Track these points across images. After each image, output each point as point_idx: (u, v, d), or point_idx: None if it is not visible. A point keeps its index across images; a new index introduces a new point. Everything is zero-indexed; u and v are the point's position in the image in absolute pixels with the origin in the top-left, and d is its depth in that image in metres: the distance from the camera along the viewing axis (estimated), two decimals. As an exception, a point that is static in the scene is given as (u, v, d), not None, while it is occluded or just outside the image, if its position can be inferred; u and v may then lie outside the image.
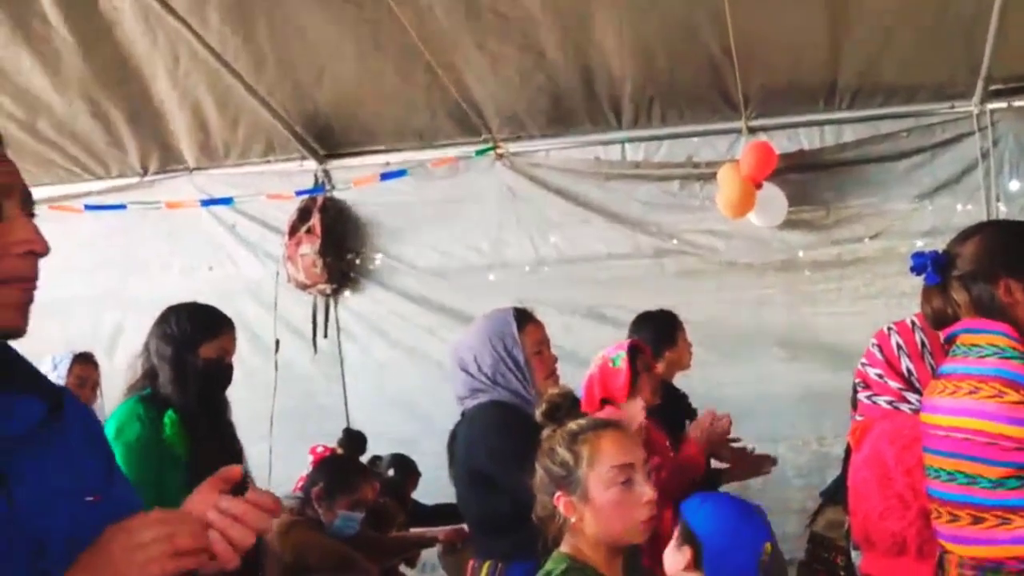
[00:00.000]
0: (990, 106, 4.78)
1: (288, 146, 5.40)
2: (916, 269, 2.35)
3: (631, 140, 5.22)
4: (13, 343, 1.34)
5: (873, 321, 4.92)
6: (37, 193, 4.52)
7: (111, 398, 4.30)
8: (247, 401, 3.30)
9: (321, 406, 5.46)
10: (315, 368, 5.50)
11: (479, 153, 5.29)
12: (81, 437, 1.38)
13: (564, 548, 2.04)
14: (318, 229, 5.22)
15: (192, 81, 4.89)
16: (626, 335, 4.08)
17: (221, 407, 3.11)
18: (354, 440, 4.66)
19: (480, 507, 2.88)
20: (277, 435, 5.11)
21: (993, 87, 4.70)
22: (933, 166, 4.92)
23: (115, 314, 5.46)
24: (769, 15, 4.34)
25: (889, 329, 2.77)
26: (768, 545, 2.41)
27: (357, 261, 5.51)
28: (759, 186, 4.82)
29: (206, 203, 5.25)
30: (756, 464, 3.97)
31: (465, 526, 3.73)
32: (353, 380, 5.53)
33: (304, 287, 5.35)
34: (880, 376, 2.76)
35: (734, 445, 3.75)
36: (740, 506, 2.54)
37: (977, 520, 2.20)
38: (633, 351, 3.41)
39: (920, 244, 4.88)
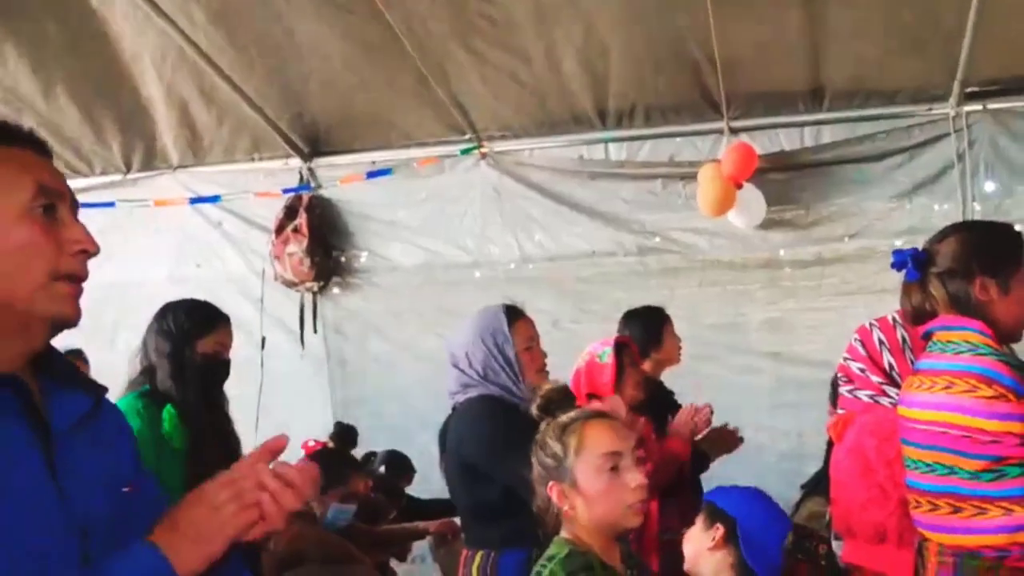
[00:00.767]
0: (966, 108, 4.85)
1: (274, 144, 5.44)
2: (897, 265, 2.44)
3: (614, 140, 5.29)
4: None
5: (852, 317, 5.03)
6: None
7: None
8: (235, 398, 3.35)
9: (309, 401, 5.51)
10: (303, 364, 5.55)
11: (464, 152, 5.35)
12: (113, 431, 1.47)
13: (564, 534, 2.10)
14: (305, 228, 5.27)
15: (178, 79, 4.93)
16: (610, 331, 4.16)
17: (219, 401, 3.16)
18: (345, 434, 4.71)
19: (471, 497, 2.95)
20: (264, 430, 5.14)
21: (969, 90, 4.78)
22: (911, 167, 5.00)
23: (108, 311, 5.48)
24: (751, 21, 4.41)
25: (871, 325, 2.86)
26: (790, 535, 2.52)
27: (343, 259, 5.57)
28: (740, 186, 4.90)
29: (194, 201, 5.29)
30: (726, 440, 4.00)
31: (456, 519, 3.80)
32: (341, 376, 5.58)
33: (291, 285, 5.40)
34: (862, 370, 2.84)
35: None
36: (766, 495, 2.70)
37: (956, 510, 2.29)
38: (619, 347, 3.48)
39: (899, 243, 4.96)
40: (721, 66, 4.67)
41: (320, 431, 4.86)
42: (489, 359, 2.93)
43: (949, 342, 2.35)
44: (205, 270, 5.59)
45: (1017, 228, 2.58)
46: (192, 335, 3.04)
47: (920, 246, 2.52)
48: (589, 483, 2.07)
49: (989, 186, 4.88)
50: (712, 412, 3.69)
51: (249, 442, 4.96)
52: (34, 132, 1.44)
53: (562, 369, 3.54)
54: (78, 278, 1.38)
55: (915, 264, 2.40)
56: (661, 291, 5.12)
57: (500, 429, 2.80)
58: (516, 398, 2.89)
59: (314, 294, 5.52)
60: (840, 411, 2.99)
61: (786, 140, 5.13)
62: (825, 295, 5.16)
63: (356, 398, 5.58)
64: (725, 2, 4.23)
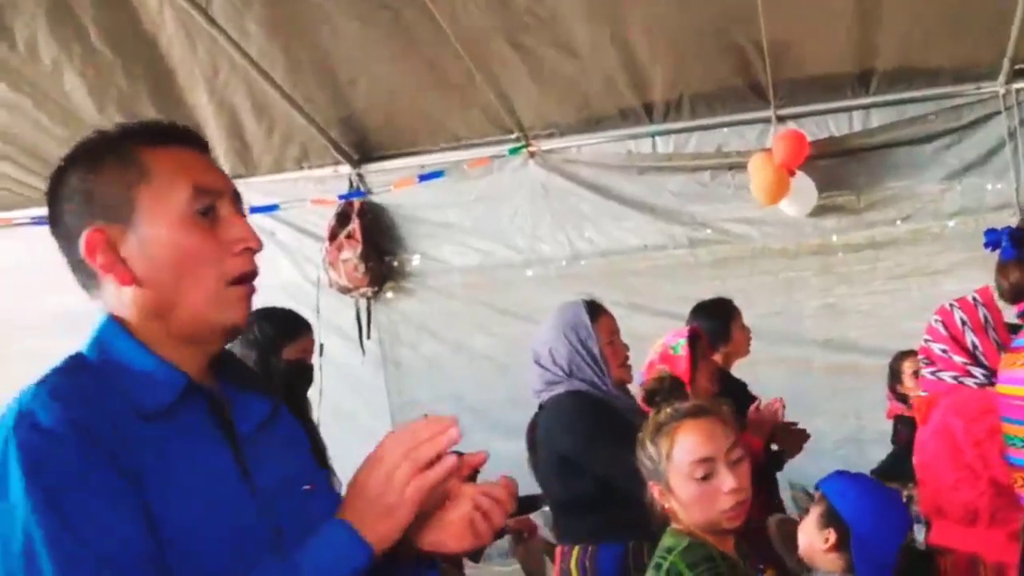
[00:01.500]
0: (1016, 86, 4.85)
1: (322, 152, 5.48)
2: (991, 244, 2.45)
3: (661, 133, 5.30)
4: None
5: (906, 300, 5.09)
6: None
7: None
8: (298, 406, 3.42)
9: (367, 405, 5.57)
10: (361, 369, 5.60)
11: (512, 152, 5.37)
12: (289, 431, 1.50)
13: (676, 525, 2.11)
14: (358, 233, 5.31)
15: (230, 91, 4.96)
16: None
17: (304, 407, 3.21)
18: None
19: (566, 491, 2.98)
20: (326, 437, 5.19)
21: (1019, 66, 4.77)
22: (961, 147, 5.00)
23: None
24: (799, 5, 4.42)
25: (951, 306, 2.86)
26: (911, 533, 2.48)
27: (396, 263, 5.61)
28: (792, 173, 4.91)
29: (254, 210, 5.32)
30: (796, 439, 3.99)
31: (532, 516, 3.83)
32: (397, 379, 5.63)
33: (346, 291, 5.45)
34: (944, 351, 2.84)
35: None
36: (885, 492, 2.64)
37: (1060, 486, 2.30)
38: (693, 338, 3.50)
39: (951, 224, 5.00)
40: (768, 51, 4.67)
41: (380, 435, 4.89)
42: (574, 355, 2.96)
43: (1050, 317, 2.36)
44: (260, 279, 5.62)
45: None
46: (278, 343, 3.08)
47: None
48: (681, 489, 2.07)
49: (1042, 163, 4.88)
50: (782, 407, 3.67)
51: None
52: (188, 128, 1.43)
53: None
54: (248, 277, 1.38)
55: (1012, 242, 2.41)
56: (713, 282, 5.16)
57: (592, 422, 2.83)
58: (602, 392, 2.92)
59: (368, 299, 5.56)
60: (922, 393, 3.00)
61: (834, 125, 5.14)
62: (879, 279, 5.18)
63: (412, 400, 5.62)
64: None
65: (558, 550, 2.99)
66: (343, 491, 1.35)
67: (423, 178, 5.27)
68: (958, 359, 2.82)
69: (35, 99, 4.86)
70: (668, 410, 2.18)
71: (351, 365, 5.58)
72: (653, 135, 5.31)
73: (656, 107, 5.18)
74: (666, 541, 2.10)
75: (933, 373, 2.90)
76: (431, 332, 5.67)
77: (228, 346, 3.01)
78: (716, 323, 4.04)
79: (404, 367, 5.66)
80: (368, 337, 5.59)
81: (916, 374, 4.55)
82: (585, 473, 2.86)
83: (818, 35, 4.68)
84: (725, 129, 5.25)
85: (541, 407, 3.08)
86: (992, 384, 2.56)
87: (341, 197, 5.36)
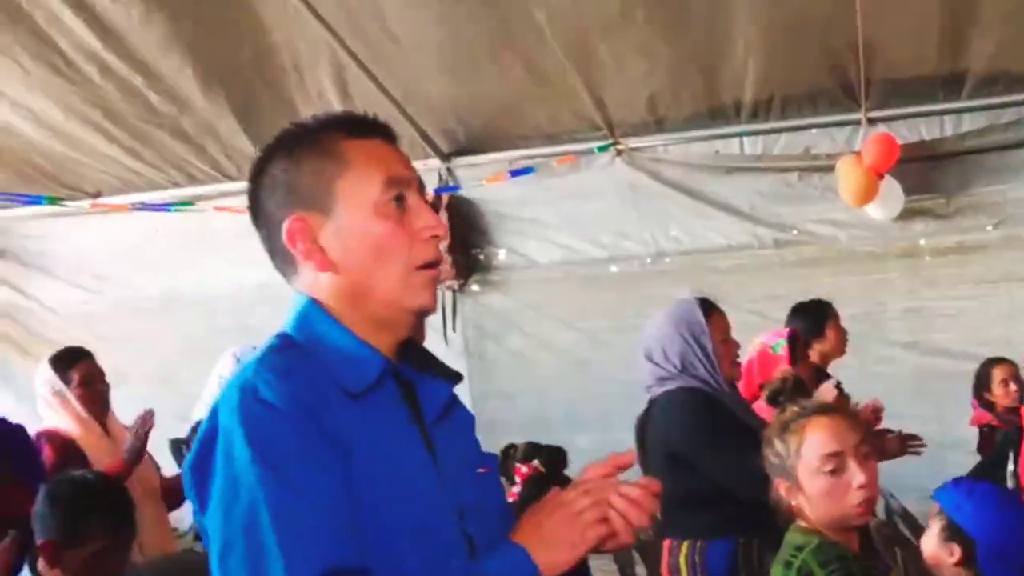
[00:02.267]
0: (1113, 91, 4.82)
1: (413, 146, 5.54)
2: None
3: (749, 134, 5.32)
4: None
5: (995, 306, 5.08)
6: (168, 195, 4.75)
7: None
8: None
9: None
10: (446, 360, 5.66)
11: (600, 150, 5.42)
12: (463, 414, 1.57)
13: (802, 523, 2.14)
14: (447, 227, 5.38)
15: (327, 83, 5.02)
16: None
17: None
18: (556, 457, 4.79)
19: (678, 487, 3.00)
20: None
21: (1117, 72, 4.74)
22: (1055, 153, 4.98)
23: (260, 312, 5.68)
24: (895, 6, 4.41)
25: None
26: None
27: (482, 257, 5.70)
28: (881, 176, 4.91)
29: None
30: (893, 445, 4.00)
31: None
32: (480, 371, 5.71)
33: (433, 283, 5.54)
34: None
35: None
36: (1006, 496, 2.64)
37: None
38: (793, 339, 3.54)
39: (1044, 231, 4.98)
40: (863, 52, 4.66)
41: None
42: (687, 351, 3.01)
43: None
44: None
45: None
46: None
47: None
48: (810, 485, 2.10)
49: None
50: (879, 409, 3.69)
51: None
52: (380, 120, 1.50)
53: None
54: (434, 263, 1.44)
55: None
56: (798, 282, 5.18)
57: (706, 419, 2.89)
58: (715, 390, 2.97)
59: (454, 291, 5.65)
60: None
61: (925, 129, 5.12)
62: (967, 284, 5.16)
63: (495, 392, 5.69)
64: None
65: (666, 544, 3.03)
66: None
67: (514, 174, 5.34)
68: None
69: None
70: (795, 408, 2.23)
71: (435, 355, 5.65)
72: (741, 135, 5.33)
73: (745, 107, 5.19)
74: (794, 539, 2.12)
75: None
76: (515, 325, 5.75)
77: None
78: (811, 322, 4.09)
79: (488, 359, 5.74)
80: (453, 329, 5.67)
81: (1006, 382, 4.56)
82: (697, 469, 2.91)
83: (911, 37, 4.66)
84: (814, 130, 5.25)
85: (651, 403, 3.13)
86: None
87: (436, 191, 5.44)
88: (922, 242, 5.20)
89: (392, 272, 1.41)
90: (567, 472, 4.83)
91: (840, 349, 4.14)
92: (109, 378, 4.00)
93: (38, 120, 5.11)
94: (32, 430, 3.67)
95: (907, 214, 5.15)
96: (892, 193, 5.04)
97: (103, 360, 4.05)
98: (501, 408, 5.56)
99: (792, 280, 5.24)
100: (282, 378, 1.31)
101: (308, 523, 1.23)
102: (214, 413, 1.32)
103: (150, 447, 3.89)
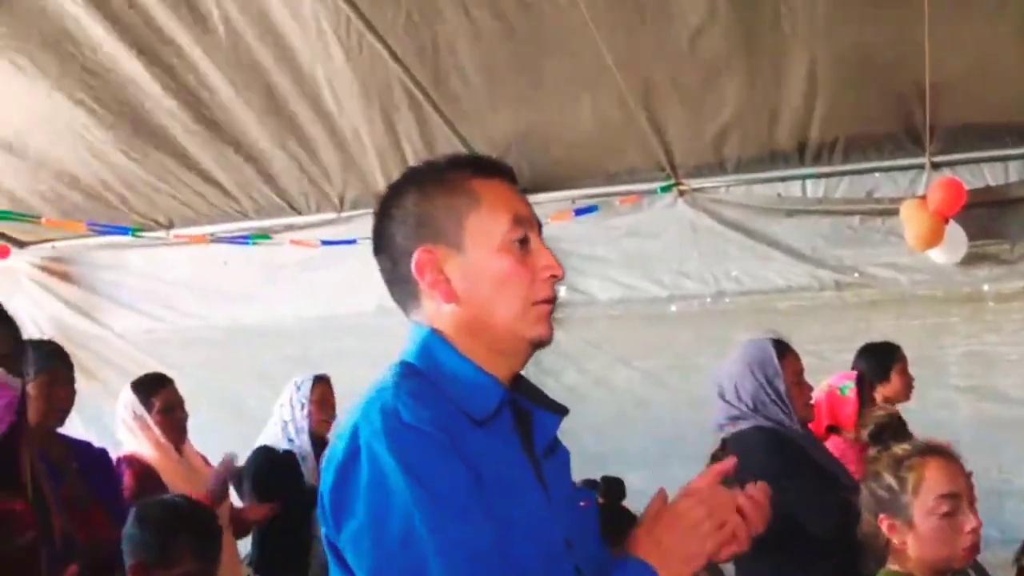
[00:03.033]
0: None
1: (479, 183, 5.62)
2: None
3: (812, 176, 5.35)
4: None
5: (1059, 353, 5.05)
6: (235, 227, 4.84)
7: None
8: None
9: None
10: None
11: (663, 190, 5.48)
12: (563, 447, 1.62)
13: (894, 566, 2.16)
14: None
15: (398, 115, 5.11)
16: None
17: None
18: (614, 488, 4.81)
19: (750, 527, 3.04)
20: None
21: None
22: (1122, 201, 4.96)
23: (317, 343, 5.79)
24: (967, 50, 4.42)
25: None
26: None
27: (542, 294, 5.73)
28: (947, 221, 4.92)
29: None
30: None
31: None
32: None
33: (495, 319, 5.59)
34: None
35: None
36: None
37: None
38: (861, 381, 3.56)
39: (1111, 278, 4.96)
40: (929, 96, 4.68)
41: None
42: (759, 391, 3.04)
43: None
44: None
45: None
46: None
47: None
48: (924, 524, 2.11)
49: None
50: None
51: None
52: (505, 163, 1.59)
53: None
54: (550, 300, 1.52)
55: None
56: (858, 325, 5.20)
57: (780, 459, 2.90)
58: (789, 430, 2.99)
59: (514, 329, 5.69)
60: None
61: (990, 174, 5.13)
62: (1031, 329, 5.14)
63: (561, 428, 5.71)
64: (941, 23, 4.19)
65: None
66: None
67: (579, 212, 5.40)
68: None
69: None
70: (906, 446, 2.25)
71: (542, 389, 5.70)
72: (804, 178, 5.36)
73: (809, 149, 5.22)
74: (883, 581, 2.13)
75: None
76: (573, 361, 5.78)
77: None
78: (876, 364, 4.09)
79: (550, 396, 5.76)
80: (514, 365, 5.70)
81: (1071, 431, 4.52)
82: (772, 510, 2.91)
83: (978, 81, 4.68)
84: (877, 174, 5.27)
85: (724, 441, 3.16)
86: None
87: (498, 227, 5.49)
88: (985, 287, 5.19)
89: (512, 306, 1.48)
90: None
91: (904, 394, 4.14)
92: (178, 405, 4.12)
93: (114, 149, 5.24)
94: (110, 455, 3.77)
95: (970, 259, 5.14)
96: (956, 238, 5.04)
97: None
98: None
99: (853, 323, 5.27)
100: (420, 403, 1.36)
101: (464, 543, 1.27)
102: (354, 437, 1.36)
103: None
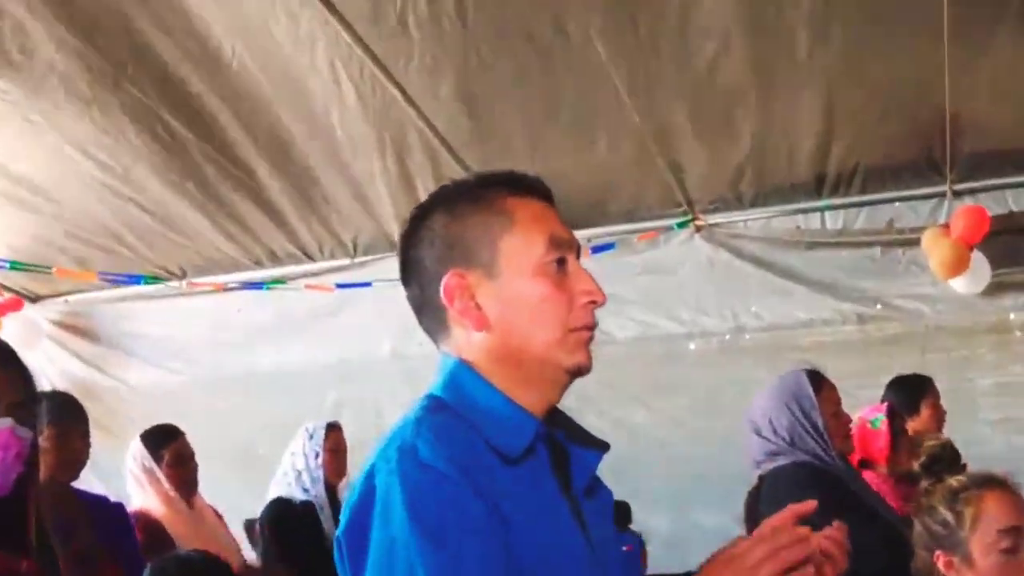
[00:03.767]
0: None
1: (491, 224, 5.56)
2: None
3: (831, 208, 5.28)
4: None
5: (1089, 381, 4.94)
6: (247, 276, 4.79)
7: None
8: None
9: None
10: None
11: (679, 226, 5.41)
12: (604, 487, 1.52)
13: None
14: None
15: (409, 162, 5.07)
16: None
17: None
18: (618, 511, 4.73)
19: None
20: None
21: None
22: None
23: (332, 389, 5.71)
24: (987, 76, 4.36)
25: None
26: None
27: (559, 333, 5.65)
28: (971, 248, 4.84)
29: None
30: None
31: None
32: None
33: (513, 358, 5.51)
34: None
35: None
36: None
37: None
38: (892, 413, 3.47)
39: None
40: (950, 124, 4.63)
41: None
42: (795, 425, 2.95)
43: None
44: (427, 347, 5.73)
45: None
46: None
47: None
48: (984, 560, 2.03)
49: None
50: None
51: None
52: (541, 180, 1.48)
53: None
54: (589, 327, 1.44)
55: None
56: (882, 359, 5.10)
57: (819, 493, 2.79)
58: (827, 464, 2.90)
59: (529, 366, 5.60)
60: None
61: (1013, 200, 5.05)
62: (1060, 358, 5.04)
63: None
64: (960, 49, 4.14)
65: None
66: None
67: (595, 250, 5.32)
68: None
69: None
70: (961, 478, 2.17)
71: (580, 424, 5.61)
72: (823, 210, 5.29)
73: (828, 181, 5.16)
74: (935, 620, 2.06)
75: None
76: (591, 402, 5.64)
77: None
78: (906, 396, 4.01)
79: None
80: (527, 403, 5.62)
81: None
82: (814, 549, 2.82)
83: (1000, 108, 4.62)
84: (897, 203, 5.20)
85: (761, 479, 3.06)
86: None
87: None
88: (1012, 316, 5.11)
89: (549, 333, 1.39)
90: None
91: (935, 428, 4.04)
92: (189, 456, 4.05)
93: (127, 200, 5.19)
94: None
95: (994, 288, 5.06)
96: (979, 266, 4.96)
97: (183, 438, 4.10)
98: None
99: (877, 357, 5.16)
100: (442, 439, 1.27)
101: None
102: (370, 476, 1.28)
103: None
